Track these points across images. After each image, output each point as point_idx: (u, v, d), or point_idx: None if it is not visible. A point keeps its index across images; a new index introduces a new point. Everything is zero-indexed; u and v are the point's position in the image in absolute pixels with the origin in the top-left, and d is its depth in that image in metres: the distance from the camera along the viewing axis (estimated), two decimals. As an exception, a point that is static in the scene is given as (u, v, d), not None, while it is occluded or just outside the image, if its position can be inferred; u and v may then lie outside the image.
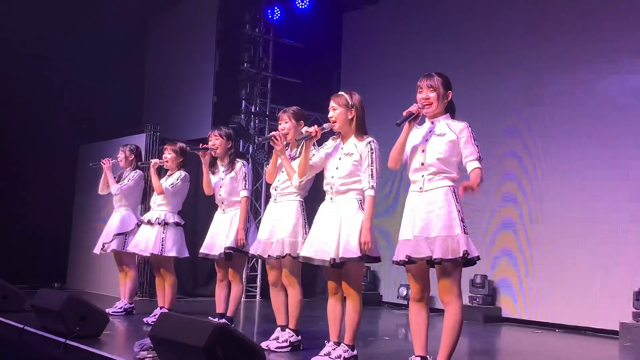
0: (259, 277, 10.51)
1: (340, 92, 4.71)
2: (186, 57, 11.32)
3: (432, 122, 4.13)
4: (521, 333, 7.63)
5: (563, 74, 8.15)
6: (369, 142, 4.57)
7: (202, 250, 6.16)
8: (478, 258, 3.91)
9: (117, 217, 7.48)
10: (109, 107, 11.19)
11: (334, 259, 4.38)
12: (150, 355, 4.17)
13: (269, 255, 5.15)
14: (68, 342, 4.78)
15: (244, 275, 10.38)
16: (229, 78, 10.81)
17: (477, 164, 3.98)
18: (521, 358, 5.95)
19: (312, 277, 10.23)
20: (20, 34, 10.55)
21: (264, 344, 4.99)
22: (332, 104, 4.66)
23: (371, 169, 4.51)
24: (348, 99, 4.62)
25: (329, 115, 4.66)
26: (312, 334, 5.78)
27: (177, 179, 6.86)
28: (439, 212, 3.93)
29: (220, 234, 6.01)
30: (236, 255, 5.95)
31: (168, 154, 6.95)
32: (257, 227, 5.70)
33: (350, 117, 4.62)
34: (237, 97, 10.88)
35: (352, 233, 4.41)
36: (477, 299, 8.37)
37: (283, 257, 5.05)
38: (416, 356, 4.06)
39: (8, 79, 10.48)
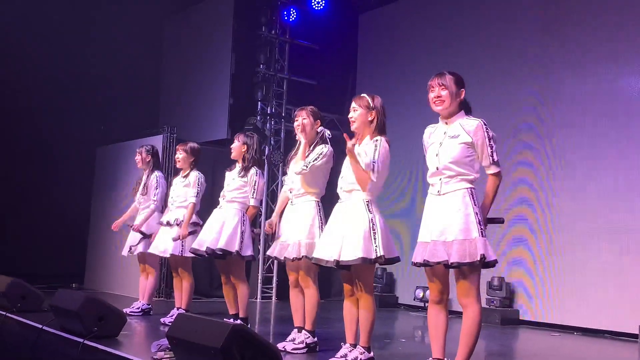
0: (274, 278, 10.52)
1: (362, 94, 4.71)
2: (202, 59, 11.36)
3: (447, 123, 4.12)
4: (539, 336, 7.58)
5: (580, 75, 8.09)
6: (376, 140, 4.55)
7: (194, 245, 6.20)
8: (496, 261, 3.89)
9: (150, 220, 7.49)
10: (126, 109, 11.27)
11: (337, 260, 4.39)
12: (168, 356, 4.18)
13: (285, 257, 5.17)
14: (86, 342, 4.80)
15: (259, 277, 10.41)
16: (245, 80, 10.84)
17: (492, 170, 3.99)
18: (539, 361, 5.92)
19: (328, 278, 10.23)
20: (37, 37, 10.65)
21: (280, 345, 4.98)
22: (353, 104, 4.67)
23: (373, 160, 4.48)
24: (369, 101, 4.63)
25: (349, 115, 4.67)
26: (328, 336, 5.78)
27: (198, 185, 6.88)
28: (456, 215, 3.91)
29: (211, 232, 6.04)
30: (233, 258, 5.99)
31: (179, 154, 7.02)
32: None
33: (370, 118, 4.61)
34: (253, 98, 10.90)
35: (353, 236, 4.39)
36: (495, 302, 8.32)
37: (299, 259, 5.06)
38: (433, 358, 4.04)
39: (26, 82, 10.59)
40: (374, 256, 4.36)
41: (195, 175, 6.95)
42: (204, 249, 6.02)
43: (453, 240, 3.87)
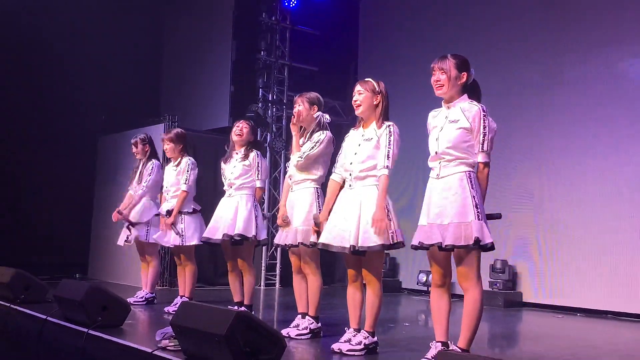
0: (278, 265, 10.54)
1: (367, 79, 4.68)
2: (203, 47, 11.33)
3: (448, 107, 4.11)
4: (542, 318, 7.59)
5: (583, 57, 8.06)
6: (388, 126, 4.54)
7: (205, 234, 6.17)
8: (492, 245, 3.87)
9: (138, 208, 7.48)
10: (127, 98, 11.25)
11: (354, 246, 4.37)
12: (172, 344, 4.19)
13: (285, 244, 5.18)
14: (90, 332, 4.81)
15: (263, 264, 10.42)
16: (245, 67, 10.81)
17: (480, 158, 3.97)
18: (542, 342, 5.92)
19: (332, 264, 10.24)
20: (36, 26, 10.62)
21: (284, 332, 5.00)
22: (358, 87, 4.63)
23: (387, 150, 4.47)
24: (375, 85, 4.61)
25: (354, 99, 4.63)
26: (332, 321, 5.80)
27: (187, 171, 6.82)
28: (453, 198, 3.92)
29: (224, 219, 6.01)
30: (249, 243, 5.99)
31: (166, 145, 6.95)
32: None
33: (375, 102, 4.59)
34: (254, 85, 10.88)
35: (371, 222, 4.39)
36: (498, 284, 8.33)
37: (296, 245, 5.07)
38: (437, 341, 4.05)
39: (26, 71, 10.57)
40: (392, 242, 4.37)
41: (186, 161, 6.89)
42: (218, 236, 6.01)
43: (449, 223, 3.88)
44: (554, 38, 8.37)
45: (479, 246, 3.82)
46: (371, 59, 11.07)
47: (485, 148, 3.96)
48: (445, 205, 3.92)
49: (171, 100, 11.96)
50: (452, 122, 4.02)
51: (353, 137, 4.69)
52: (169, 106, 11.53)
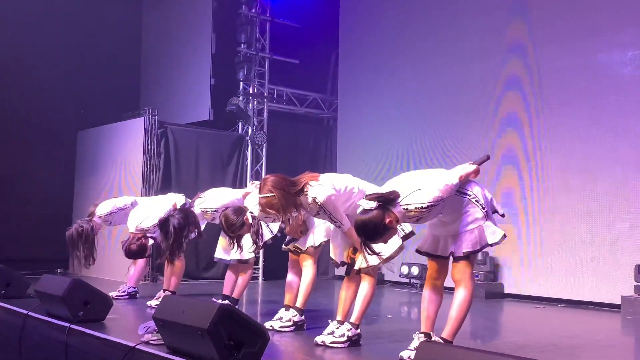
0: (261, 259, 10.52)
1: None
2: (182, 40, 11.28)
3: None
4: (523, 308, 7.65)
5: (563, 46, 8.09)
6: (315, 203, 4.46)
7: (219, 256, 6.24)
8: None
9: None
10: (107, 92, 11.20)
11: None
12: (155, 338, 4.18)
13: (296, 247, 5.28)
14: (72, 326, 4.79)
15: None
16: (226, 60, 10.78)
17: None
18: (523, 333, 5.97)
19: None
20: (15, 21, 10.51)
21: (267, 324, 5.01)
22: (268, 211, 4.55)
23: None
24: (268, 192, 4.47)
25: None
26: (314, 314, 5.80)
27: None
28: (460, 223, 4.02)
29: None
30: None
31: None
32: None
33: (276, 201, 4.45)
34: (234, 79, 10.86)
35: None
36: (479, 276, 8.38)
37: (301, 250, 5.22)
38: (420, 332, 4.07)
39: (4, 65, 10.45)
40: (402, 234, 4.45)
41: None
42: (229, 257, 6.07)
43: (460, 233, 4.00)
44: (534, 27, 8.38)
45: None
46: (352, 50, 11.03)
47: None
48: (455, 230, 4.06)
49: (151, 93, 11.90)
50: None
51: None
52: (148, 100, 11.48)
